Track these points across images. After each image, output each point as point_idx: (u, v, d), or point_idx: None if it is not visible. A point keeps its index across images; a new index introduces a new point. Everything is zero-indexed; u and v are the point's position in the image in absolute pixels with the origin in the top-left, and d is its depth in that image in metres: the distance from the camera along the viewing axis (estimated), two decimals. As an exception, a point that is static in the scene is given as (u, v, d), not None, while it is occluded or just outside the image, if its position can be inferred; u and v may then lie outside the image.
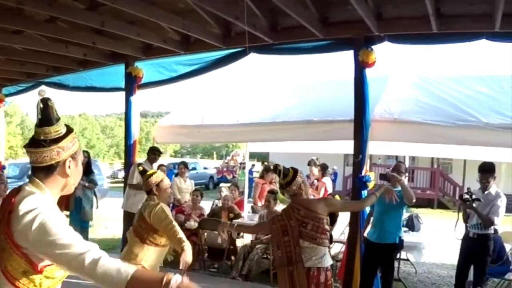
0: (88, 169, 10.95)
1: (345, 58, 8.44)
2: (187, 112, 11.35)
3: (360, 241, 8.00)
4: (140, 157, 10.88)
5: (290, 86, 12.44)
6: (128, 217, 9.62)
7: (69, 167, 2.64)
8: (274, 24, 8.46)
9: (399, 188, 7.26)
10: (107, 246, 11.84)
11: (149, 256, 5.39)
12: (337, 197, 10.32)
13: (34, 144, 2.57)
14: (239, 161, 32.97)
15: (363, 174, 8.04)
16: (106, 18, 8.05)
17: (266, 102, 10.78)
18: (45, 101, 2.60)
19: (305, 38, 8.38)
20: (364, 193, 8.13)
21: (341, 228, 10.35)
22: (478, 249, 7.39)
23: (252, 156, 28.12)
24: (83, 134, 76.96)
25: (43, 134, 2.56)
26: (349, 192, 22.35)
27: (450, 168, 32.72)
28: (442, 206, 29.23)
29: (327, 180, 13.23)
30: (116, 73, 10.76)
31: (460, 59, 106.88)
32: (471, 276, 7.58)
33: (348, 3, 6.81)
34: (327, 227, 5.53)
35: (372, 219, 7.75)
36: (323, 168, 13.47)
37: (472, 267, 7.56)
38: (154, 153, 10.04)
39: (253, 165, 31.46)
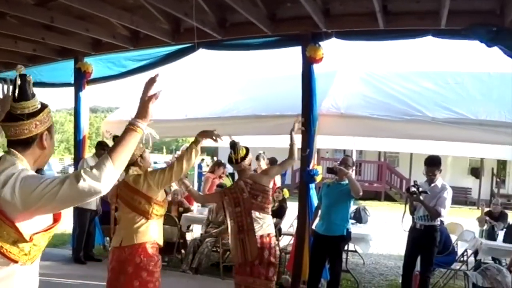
0: (37, 165, 10.86)
1: (294, 54, 8.55)
2: (137, 107, 11.30)
3: (308, 233, 8.14)
4: (91, 152, 10.78)
5: (239, 82, 12.52)
6: (79, 213, 9.72)
7: (45, 139, 2.76)
8: (223, 20, 8.52)
9: (346, 181, 7.42)
10: (58, 241, 11.74)
11: (155, 229, 5.32)
12: (285, 191, 10.49)
13: (12, 118, 2.64)
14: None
15: (310, 167, 8.18)
16: (55, 13, 8.02)
17: (215, 97, 10.84)
18: (23, 77, 2.69)
19: (254, 34, 8.47)
20: (312, 186, 8.29)
21: (290, 221, 10.49)
22: (425, 240, 7.58)
23: (202, 150, 28.16)
24: (32, 129, 75.84)
25: (20, 108, 2.65)
26: (297, 185, 22.62)
27: (397, 162, 33.73)
28: (389, 198, 30.19)
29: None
30: (65, 69, 10.66)
31: (407, 55, 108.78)
32: (418, 267, 7.75)
33: (296, 0, 6.96)
34: (270, 197, 6.19)
35: (320, 211, 7.85)
36: (272, 162, 13.58)
37: (419, 258, 7.72)
38: (102, 148, 9.93)
39: (202, 160, 31.49)
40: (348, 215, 7.78)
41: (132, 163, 5.35)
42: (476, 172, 32.56)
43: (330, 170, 7.74)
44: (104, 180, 2.48)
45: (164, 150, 62.89)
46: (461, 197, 30.68)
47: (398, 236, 8.44)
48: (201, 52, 9.13)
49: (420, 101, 8.63)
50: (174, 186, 11.97)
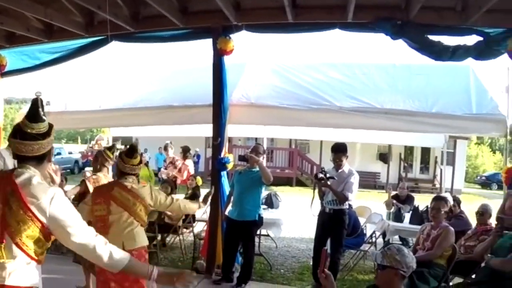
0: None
1: (205, 46, 8.74)
2: (51, 98, 11.24)
3: (221, 219, 8.41)
4: (5, 143, 10.67)
5: (152, 74, 12.67)
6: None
7: (52, 153, 3.32)
8: (136, 13, 8.63)
9: (257, 168, 7.71)
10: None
11: (144, 235, 5.44)
12: (198, 178, 10.68)
13: (28, 137, 3.08)
14: (103, 145, 32.45)
15: (222, 156, 8.44)
16: (-31, 6, 7.94)
17: (128, 89, 10.99)
18: (41, 101, 3.20)
19: (166, 27, 8.62)
20: (224, 173, 8.55)
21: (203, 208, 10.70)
22: (334, 223, 7.93)
23: (116, 140, 28.12)
24: None
25: (37, 129, 3.10)
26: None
27: (308, 148, 34.90)
28: (300, 183, 31.10)
29: (189, 162, 13.53)
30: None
31: (316, 47, 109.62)
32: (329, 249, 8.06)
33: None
34: None
35: (232, 198, 8.13)
36: (185, 151, 13.74)
37: (328, 240, 8.01)
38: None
39: (117, 149, 31.19)
40: (260, 201, 8.10)
41: (133, 173, 5.46)
42: (384, 157, 34.04)
43: (241, 158, 8.05)
44: (111, 261, 3.11)
45: (79, 140, 61.95)
46: (370, 182, 32.25)
47: (309, 220, 8.73)
48: (115, 45, 9.18)
49: (328, 91, 9.01)
50: (89, 175, 11.95)
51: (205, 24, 8.45)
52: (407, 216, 10.04)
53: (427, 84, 9.63)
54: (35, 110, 3.14)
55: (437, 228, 7.03)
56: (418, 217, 9.66)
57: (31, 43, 9.70)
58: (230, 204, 8.21)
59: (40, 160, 3.16)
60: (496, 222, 7.04)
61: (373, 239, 9.81)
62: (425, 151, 34.22)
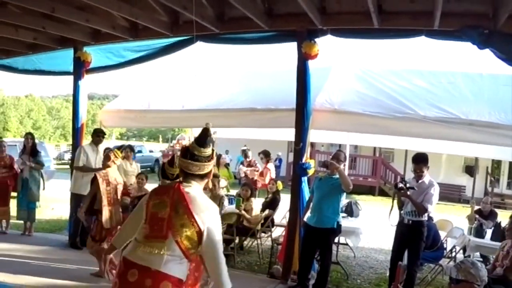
0: (34, 151, 11.03)
1: (289, 50, 8.67)
2: (134, 96, 11.37)
3: (299, 225, 8.33)
4: (87, 139, 10.90)
5: (235, 75, 12.55)
6: (75, 199, 9.83)
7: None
8: (221, 14, 8.65)
9: (337, 175, 7.60)
10: (54, 227, 11.96)
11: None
12: (279, 183, 10.63)
13: (196, 159, 3.80)
14: (184, 144, 32.69)
15: (303, 161, 8.34)
16: (56, 3, 8.11)
17: (211, 90, 10.91)
18: (210, 130, 3.94)
19: (250, 29, 8.60)
20: (304, 179, 8.46)
21: (283, 212, 10.61)
22: (412, 235, 7.72)
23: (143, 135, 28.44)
24: (29, 116, 75.58)
25: (203, 153, 3.82)
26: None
27: (392, 157, 33.60)
28: (383, 193, 29.96)
29: (271, 166, 13.52)
30: (65, 57, 10.73)
31: (401, 53, 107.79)
32: (405, 260, 7.88)
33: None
34: None
35: (311, 204, 8.02)
36: (266, 155, 13.75)
37: (406, 252, 7.86)
38: (98, 135, 10.09)
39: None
40: (339, 208, 7.93)
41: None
42: (470, 170, 32.51)
43: (322, 164, 7.96)
44: (225, 278, 3.72)
45: (160, 139, 62.83)
46: (455, 195, 30.75)
47: (389, 231, 8.56)
48: (199, 45, 9.23)
49: (412, 99, 8.74)
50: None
51: (290, 28, 8.38)
52: (489, 232, 9.69)
53: (515, 95, 9.25)
54: (204, 137, 3.89)
55: None
56: (500, 233, 9.28)
57: (116, 41, 9.88)
58: (309, 211, 8.09)
59: (203, 177, 3.91)
60: None
61: (453, 254, 9.58)
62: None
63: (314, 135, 9.01)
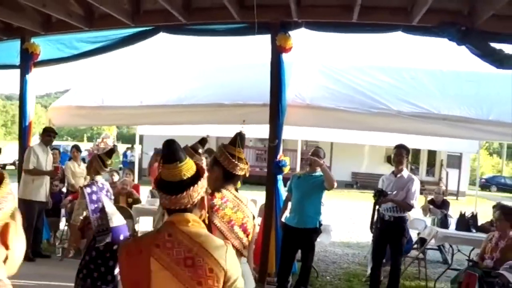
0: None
1: (254, 43, 8.36)
2: (86, 92, 10.62)
3: (275, 226, 8.07)
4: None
5: (197, 69, 12.03)
6: (26, 206, 8.76)
7: None
8: (188, 3, 8.19)
9: (319, 173, 7.33)
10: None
11: None
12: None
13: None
14: (109, 144, 32.01)
15: (278, 158, 8.03)
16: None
17: (172, 84, 10.36)
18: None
19: (221, 20, 8.24)
20: (280, 178, 8.16)
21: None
22: (394, 231, 7.70)
23: (122, 139, 27.98)
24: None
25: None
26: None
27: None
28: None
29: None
30: (8, 49, 9.88)
31: (356, 49, 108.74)
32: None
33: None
34: None
35: (290, 204, 7.71)
36: (211, 153, 13.37)
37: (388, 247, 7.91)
38: (49, 134, 9.36)
39: (127, 149, 30.57)
40: (320, 207, 7.63)
41: None
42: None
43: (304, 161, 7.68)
44: None
45: (85, 138, 60.81)
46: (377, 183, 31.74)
47: (340, 223, 8.44)
48: (162, 36, 8.74)
49: (382, 94, 8.71)
50: (117, 176, 11.54)
51: (264, 19, 7.92)
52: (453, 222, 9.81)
53: (478, 91, 9.38)
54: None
55: (505, 238, 7.00)
56: (464, 223, 9.49)
57: (70, 31, 9.11)
58: (287, 211, 7.80)
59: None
60: None
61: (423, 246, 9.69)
62: (431, 154, 34.52)
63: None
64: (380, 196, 7.66)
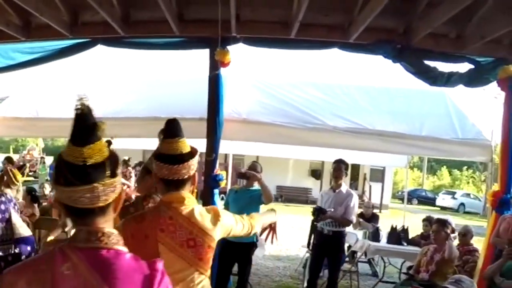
0: None
1: (189, 58, 8.40)
2: (20, 102, 10.45)
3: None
4: None
5: (130, 83, 11.92)
6: None
7: None
8: (127, 15, 8.07)
9: (256, 187, 7.43)
10: None
11: None
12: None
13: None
14: (35, 156, 31.26)
15: (215, 172, 8.08)
16: None
17: (106, 97, 10.20)
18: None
19: (159, 33, 8.21)
20: (216, 191, 8.20)
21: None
22: (333, 246, 7.93)
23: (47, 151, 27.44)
24: None
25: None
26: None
27: (243, 163, 34.48)
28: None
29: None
30: None
31: (288, 64, 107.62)
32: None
33: (205, 2, 7.32)
34: None
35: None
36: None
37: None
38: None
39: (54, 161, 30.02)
40: (257, 221, 7.73)
41: None
42: (315, 173, 35.06)
43: (241, 175, 7.75)
44: None
45: (11, 150, 58.59)
46: (303, 197, 33.63)
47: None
48: (100, 48, 8.62)
49: (316, 110, 8.94)
50: (48, 187, 11.34)
51: (203, 34, 8.08)
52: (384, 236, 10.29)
53: (409, 107, 9.75)
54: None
55: (440, 251, 7.29)
56: (395, 236, 9.90)
57: (5, 41, 8.84)
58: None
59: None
60: (508, 245, 7.03)
61: (355, 259, 10.12)
62: (354, 168, 34.73)
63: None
64: (319, 214, 7.81)
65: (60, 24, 8.04)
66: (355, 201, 7.98)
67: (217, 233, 3.21)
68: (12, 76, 10.70)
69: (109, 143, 6.37)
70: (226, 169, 7.86)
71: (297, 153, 14.50)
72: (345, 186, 8.20)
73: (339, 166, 8.23)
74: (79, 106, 2.07)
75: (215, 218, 3.23)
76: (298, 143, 9.43)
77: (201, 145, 8.16)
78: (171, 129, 3.16)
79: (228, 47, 8.03)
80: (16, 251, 6.55)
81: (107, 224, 2.05)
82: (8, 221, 6.53)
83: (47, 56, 8.92)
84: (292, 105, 9.08)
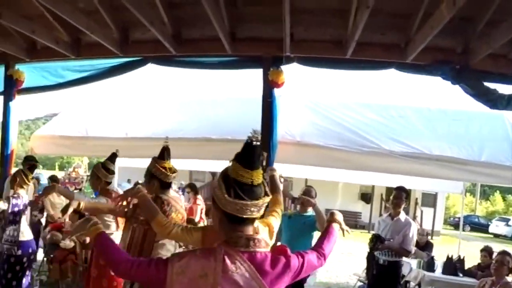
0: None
1: (241, 77, 8.21)
2: (70, 121, 10.37)
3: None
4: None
5: (182, 102, 11.51)
6: None
7: None
8: (178, 34, 7.96)
9: (310, 212, 7.15)
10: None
11: None
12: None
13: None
14: (81, 173, 31.50)
15: (267, 196, 7.81)
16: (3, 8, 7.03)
17: (157, 117, 10.13)
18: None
19: (211, 52, 8.09)
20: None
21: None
22: (389, 276, 7.58)
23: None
24: None
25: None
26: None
27: (291, 185, 34.24)
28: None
29: (201, 202, 12.96)
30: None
31: (340, 84, 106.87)
32: None
33: (257, 21, 7.15)
34: None
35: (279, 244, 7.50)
36: (193, 188, 13.13)
37: None
38: (30, 163, 9.08)
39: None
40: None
41: None
42: (365, 197, 34.24)
43: (296, 201, 7.49)
44: None
45: (57, 166, 59.66)
46: (351, 221, 31.65)
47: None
48: (151, 67, 8.54)
49: (371, 132, 8.57)
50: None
51: (255, 53, 7.90)
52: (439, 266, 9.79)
53: (466, 130, 9.23)
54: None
55: (497, 284, 6.74)
56: (451, 267, 9.45)
57: (55, 58, 8.84)
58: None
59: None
60: None
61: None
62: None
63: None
64: (377, 241, 7.51)
65: (111, 42, 7.98)
66: (413, 230, 7.64)
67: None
68: (63, 94, 10.68)
69: (113, 155, 6.38)
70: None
71: (347, 176, 14.12)
72: (403, 214, 7.85)
73: (400, 194, 7.93)
74: (255, 138, 2.68)
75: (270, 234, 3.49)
76: (353, 168, 9.05)
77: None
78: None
79: (281, 67, 7.81)
80: (19, 253, 7.04)
81: (253, 231, 2.67)
82: (18, 223, 7.07)
83: (97, 74, 8.91)
84: (347, 128, 8.73)
